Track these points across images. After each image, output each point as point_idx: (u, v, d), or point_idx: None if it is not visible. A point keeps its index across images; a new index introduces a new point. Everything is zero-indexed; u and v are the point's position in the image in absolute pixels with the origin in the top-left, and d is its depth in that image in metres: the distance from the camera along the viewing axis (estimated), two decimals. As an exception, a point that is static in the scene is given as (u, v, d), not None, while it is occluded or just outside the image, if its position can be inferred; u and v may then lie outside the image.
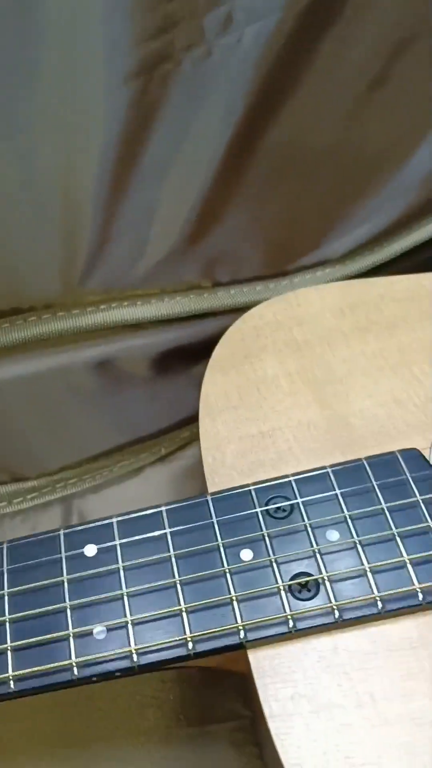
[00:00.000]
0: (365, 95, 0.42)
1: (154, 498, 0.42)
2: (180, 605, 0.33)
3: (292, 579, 0.33)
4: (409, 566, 0.33)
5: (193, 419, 0.51)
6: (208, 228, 0.44)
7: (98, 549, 0.35)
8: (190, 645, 0.32)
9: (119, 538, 0.35)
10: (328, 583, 0.33)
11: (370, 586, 0.33)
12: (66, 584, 0.34)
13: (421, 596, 0.32)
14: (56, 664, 0.32)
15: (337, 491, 0.36)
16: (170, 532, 0.35)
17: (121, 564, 0.34)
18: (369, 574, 0.33)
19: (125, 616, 0.33)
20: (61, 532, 0.36)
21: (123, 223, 0.41)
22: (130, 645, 0.32)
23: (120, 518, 0.36)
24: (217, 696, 0.41)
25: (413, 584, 0.33)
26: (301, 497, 0.36)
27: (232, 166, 0.42)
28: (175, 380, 0.49)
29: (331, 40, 0.40)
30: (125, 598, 0.33)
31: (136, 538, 0.35)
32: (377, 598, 0.32)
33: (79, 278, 0.42)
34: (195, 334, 0.48)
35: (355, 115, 0.43)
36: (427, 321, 0.44)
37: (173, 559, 0.34)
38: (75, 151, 0.38)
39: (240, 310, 0.47)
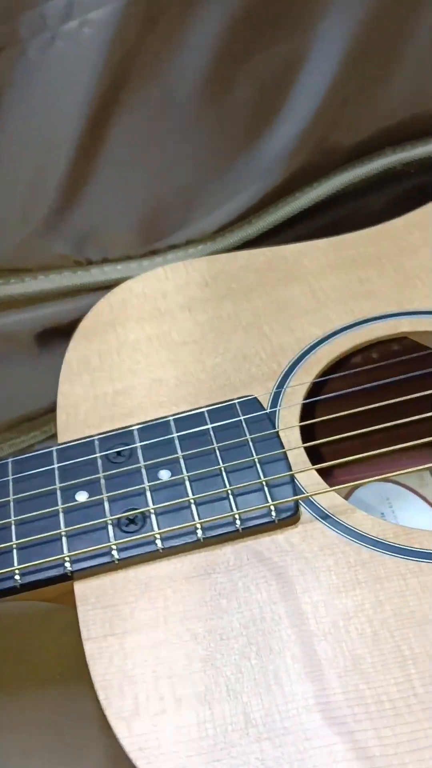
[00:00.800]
0: (216, 73, 0.45)
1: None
2: (11, 542, 0.35)
3: (122, 514, 0.35)
4: (230, 497, 0.35)
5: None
6: (73, 206, 0.46)
7: None
8: (18, 577, 0.34)
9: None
10: (153, 516, 0.35)
11: (192, 516, 0.35)
12: None
13: (238, 523, 0.34)
14: None
15: (175, 435, 0.38)
16: (12, 479, 0.37)
17: (-39, 509, 0.36)
18: (192, 506, 0.35)
19: (-43, 553, 0.35)
20: None
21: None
22: (-41, 579, 0.34)
23: (-33, 471, 0.38)
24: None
25: (231, 512, 0.34)
26: (140, 442, 0.38)
27: (91, 145, 0.45)
28: (60, 357, 0.51)
29: (179, 16, 0.43)
30: (-38, 538, 0.35)
31: (-20, 487, 0.37)
32: (197, 526, 0.34)
33: None
34: (75, 310, 0.50)
35: (210, 93, 0.46)
36: (281, 286, 0.46)
37: (11, 503, 0.36)
38: None
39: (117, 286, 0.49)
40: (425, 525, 0.48)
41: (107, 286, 0.50)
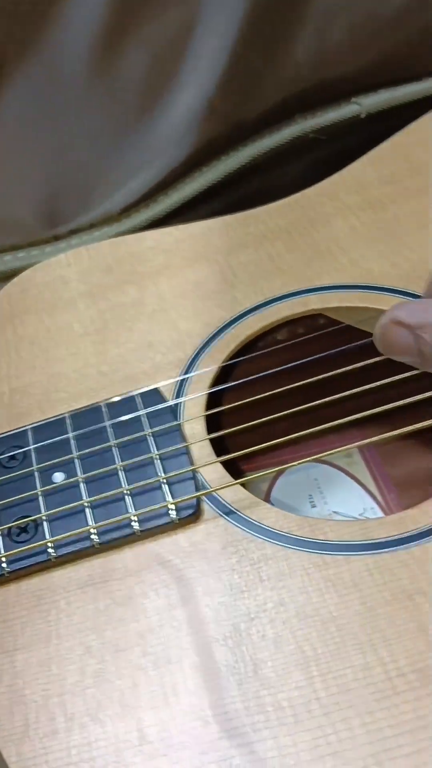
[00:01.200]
0: (104, 45, 0.42)
1: None
2: None
3: (12, 523, 0.33)
4: (128, 497, 0.33)
5: None
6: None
7: None
8: None
9: None
10: (45, 523, 0.33)
11: (86, 520, 0.32)
12: None
13: (136, 525, 0.32)
14: None
15: (70, 434, 0.36)
16: None
17: None
18: (87, 509, 0.33)
19: None
20: None
21: None
22: None
23: None
24: None
25: (128, 513, 0.32)
26: (34, 444, 0.36)
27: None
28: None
29: None
30: None
31: None
32: (91, 531, 0.32)
33: None
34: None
35: (98, 66, 0.43)
36: (189, 267, 0.43)
37: None
38: None
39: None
40: (355, 504, 0.47)
41: (9, 276, 0.47)
